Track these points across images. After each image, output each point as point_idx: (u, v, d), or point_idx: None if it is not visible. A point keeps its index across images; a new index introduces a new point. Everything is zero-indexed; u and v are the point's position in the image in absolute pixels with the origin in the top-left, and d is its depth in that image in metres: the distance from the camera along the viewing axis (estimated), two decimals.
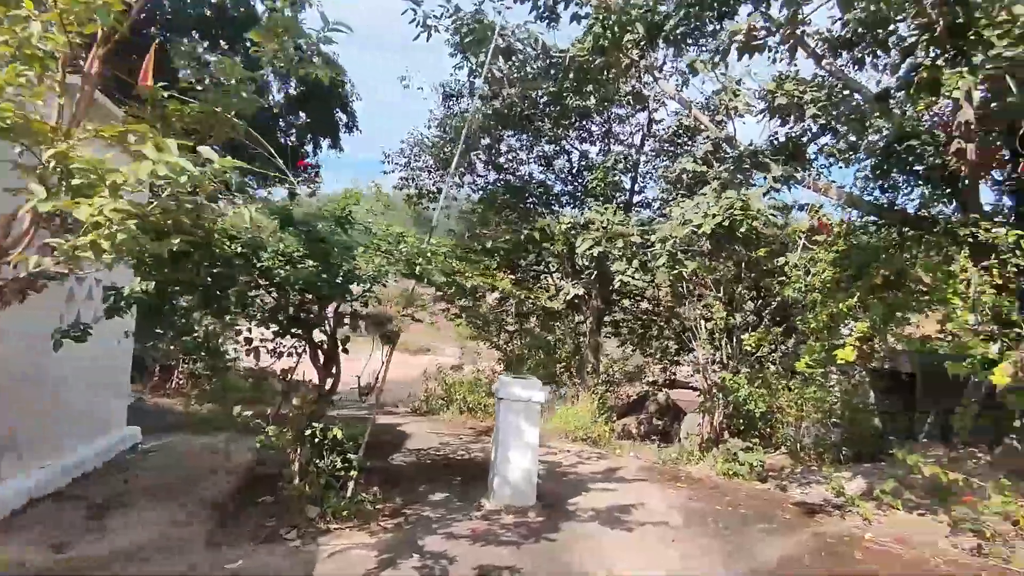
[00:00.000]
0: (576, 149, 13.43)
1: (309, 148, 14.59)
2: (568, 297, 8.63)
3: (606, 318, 13.96)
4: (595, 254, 7.81)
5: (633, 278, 8.10)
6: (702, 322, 9.29)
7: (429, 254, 5.40)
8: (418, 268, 5.24)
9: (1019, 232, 5.34)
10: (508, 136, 13.16)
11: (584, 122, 12.77)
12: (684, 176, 8.15)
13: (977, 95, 5.61)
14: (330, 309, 5.53)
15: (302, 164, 6.09)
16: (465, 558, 4.30)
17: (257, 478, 5.87)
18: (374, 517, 4.97)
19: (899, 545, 5.09)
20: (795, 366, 5.17)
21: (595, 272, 9.83)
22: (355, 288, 4.91)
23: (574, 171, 13.20)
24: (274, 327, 5.15)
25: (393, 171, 12.79)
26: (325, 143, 14.80)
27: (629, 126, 12.88)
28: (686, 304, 9.72)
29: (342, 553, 4.23)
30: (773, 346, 8.56)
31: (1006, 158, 6.60)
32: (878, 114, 6.73)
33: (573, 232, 7.53)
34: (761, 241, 8.82)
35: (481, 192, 13.78)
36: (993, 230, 5.58)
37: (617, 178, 11.78)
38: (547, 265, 13.46)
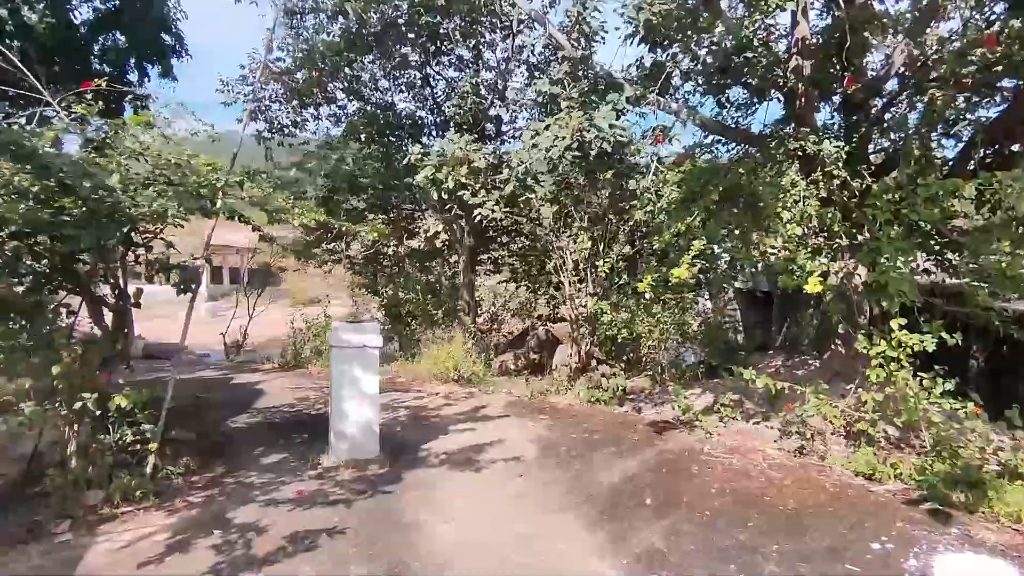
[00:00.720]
0: (444, 77, 12.54)
1: (134, 78, 12.49)
2: (430, 235, 8.09)
3: (484, 256, 13.64)
4: (451, 187, 7.25)
5: (493, 211, 7.68)
6: (567, 253, 9.16)
7: (230, 182, 4.60)
8: (213, 203, 4.45)
9: (840, 144, 5.45)
10: (368, 62, 11.97)
11: (452, 47, 11.85)
12: (540, 98, 7.68)
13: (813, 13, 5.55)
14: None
15: (87, 86, 4.90)
16: (279, 526, 3.85)
17: (38, 468, 4.99)
18: (180, 494, 4.36)
19: (732, 456, 5.29)
20: (637, 287, 5.08)
21: (455, 207, 9.29)
22: (115, 230, 4.05)
23: (439, 100, 12.35)
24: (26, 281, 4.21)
25: (235, 102, 11.28)
26: (155, 71, 12.74)
27: (499, 51, 12.12)
28: (559, 237, 9.55)
29: (124, 541, 3.61)
30: (626, 270, 8.61)
31: (838, 75, 6.72)
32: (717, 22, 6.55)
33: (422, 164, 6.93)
34: (622, 165, 8.72)
35: (341, 125, 12.60)
36: (821, 144, 5.67)
37: (481, 105, 11.11)
38: (420, 204, 12.74)
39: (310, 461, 5.17)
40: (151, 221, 4.18)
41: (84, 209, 3.69)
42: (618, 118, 6.62)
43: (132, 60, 12.41)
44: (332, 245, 13.37)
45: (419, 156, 6.76)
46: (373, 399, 5.11)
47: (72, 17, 11.47)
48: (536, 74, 12.13)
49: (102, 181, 3.66)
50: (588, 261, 8.96)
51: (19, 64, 4.83)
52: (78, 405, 3.96)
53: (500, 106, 12.18)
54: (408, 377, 9.58)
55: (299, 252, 13.50)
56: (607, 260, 7.77)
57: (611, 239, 9.16)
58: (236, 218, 5.04)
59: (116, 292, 4.74)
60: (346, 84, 12.01)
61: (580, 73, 7.65)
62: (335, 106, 12.57)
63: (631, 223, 8.66)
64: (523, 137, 6.69)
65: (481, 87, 11.46)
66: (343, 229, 11.62)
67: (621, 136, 6.13)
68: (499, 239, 13.43)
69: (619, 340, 8.51)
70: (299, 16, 10.82)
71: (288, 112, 12.06)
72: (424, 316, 11.83)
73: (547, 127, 6.45)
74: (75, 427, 4.10)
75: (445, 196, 7.81)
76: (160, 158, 4.23)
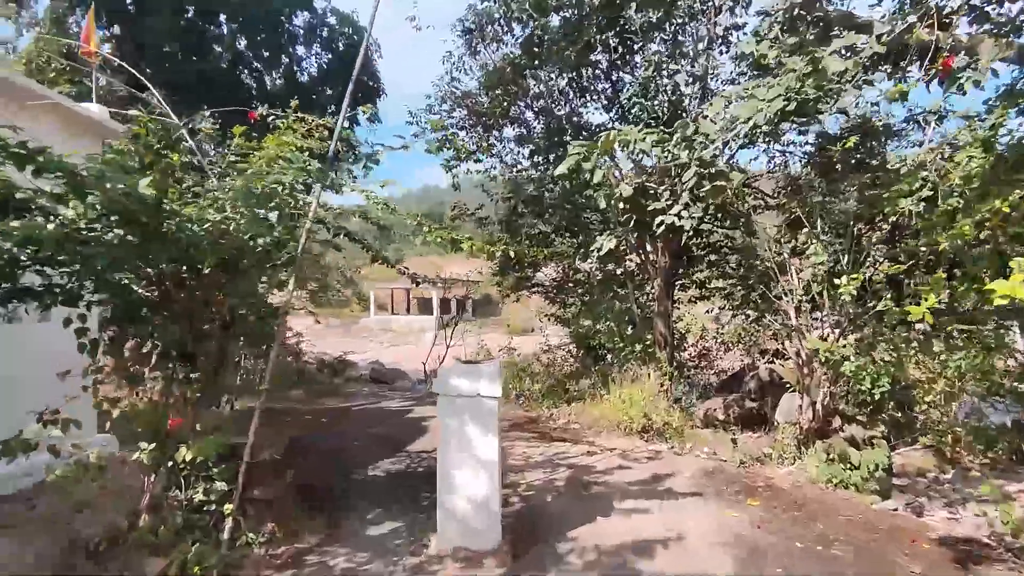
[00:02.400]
0: (635, 77, 11.06)
1: (345, 123, 13.65)
2: (602, 253, 6.60)
3: (688, 279, 11.56)
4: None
5: (681, 218, 5.90)
6: (793, 271, 6.83)
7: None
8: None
9: None
10: (552, 74, 11.10)
11: (642, 44, 10.37)
12: (746, 65, 5.76)
13: None
14: None
15: (252, 116, 4.87)
16: None
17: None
18: (255, 568, 3.55)
19: None
20: (908, 312, 2.91)
21: (633, 218, 7.57)
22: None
23: (630, 104, 10.85)
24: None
25: (423, 131, 11.37)
26: (363, 117, 13.76)
27: (702, 30, 10.16)
28: (780, 250, 7.27)
29: None
30: (886, 292, 5.92)
31: None
32: None
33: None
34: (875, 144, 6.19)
35: (531, 146, 11.89)
36: None
37: (679, 101, 9.31)
38: (610, 223, 11.32)
39: (419, 539, 4.04)
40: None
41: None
42: (865, 71, 4.40)
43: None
44: (521, 272, 12.68)
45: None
46: (491, 467, 3.78)
47: (298, 76, 12.83)
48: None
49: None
50: (825, 281, 6.53)
51: None
52: (147, 452, 3.41)
53: (699, 99, 10.20)
54: (585, 422, 8.09)
55: (497, 282, 13.09)
56: (856, 277, 5.38)
57: (860, 250, 6.58)
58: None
59: (219, 322, 4.28)
60: (529, 100, 11.29)
61: (801, 22, 5.53)
62: (520, 126, 11.94)
63: (892, 221, 6.02)
64: (710, 109, 4.87)
65: (680, 83, 9.69)
66: (521, 254, 10.85)
67: (865, 81, 3.96)
68: (706, 258, 11.26)
69: (877, 391, 5.88)
70: (476, 33, 10.39)
71: (474, 137, 11.75)
72: (616, 349, 10.27)
73: (749, 92, 4.56)
74: (152, 477, 3.59)
75: (621, 205, 6.28)
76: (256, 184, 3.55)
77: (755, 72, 6.00)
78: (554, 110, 11.47)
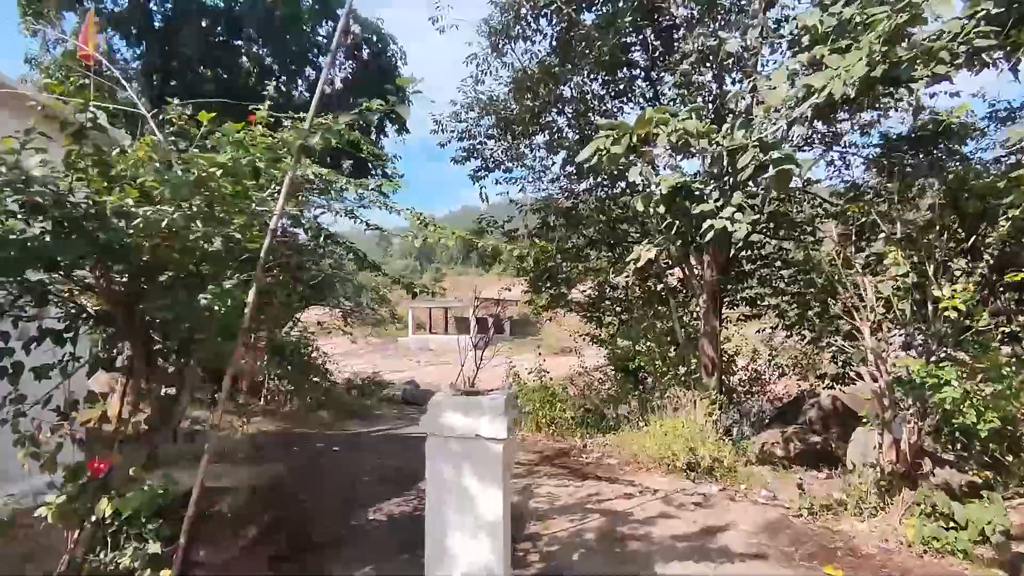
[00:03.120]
0: (675, 75, 10.22)
1: (373, 135, 13.23)
2: (640, 264, 5.73)
3: (729, 294, 10.53)
4: (660, 193, 4.89)
5: (732, 221, 5.00)
6: (867, 285, 5.81)
7: None
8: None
9: None
10: (586, 76, 10.34)
11: (680, 42, 9.55)
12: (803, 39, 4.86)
13: None
14: None
15: (252, 119, 4.37)
16: None
17: None
18: None
19: None
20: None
21: (674, 225, 6.60)
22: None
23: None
24: None
25: (449, 142, 10.78)
26: (391, 128, 13.34)
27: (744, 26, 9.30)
28: (850, 261, 6.26)
29: None
30: (983, 308, 4.85)
31: None
32: None
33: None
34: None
35: (563, 152, 11.12)
36: None
37: (715, 90, 8.41)
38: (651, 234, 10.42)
39: None
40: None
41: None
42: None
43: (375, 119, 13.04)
44: (555, 289, 11.85)
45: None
46: (495, 529, 2.96)
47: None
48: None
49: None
50: (906, 295, 5.49)
51: None
52: (54, 505, 2.74)
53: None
54: (622, 456, 7.15)
55: (528, 300, 12.30)
56: (966, 289, 4.37)
57: (947, 259, 5.52)
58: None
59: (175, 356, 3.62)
60: (561, 106, 10.57)
61: None
62: (552, 133, 11.22)
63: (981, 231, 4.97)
64: (774, 76, 4.02)
65: (725, 75, 8.79)
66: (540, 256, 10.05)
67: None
68: (757, 272, 10.22)
69: (984, 426, 4.77)
70: (502, 33, 9.74)
71: (502, 146, 11.09)
72: (658, 373, 9.31)
73: (821, 56, 3.70)
74: (76, 534, 2.92)
75: (660, 209, 5.43)
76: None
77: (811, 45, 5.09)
78: (588, 115, 10.72)
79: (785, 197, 9.67)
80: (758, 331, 10.89)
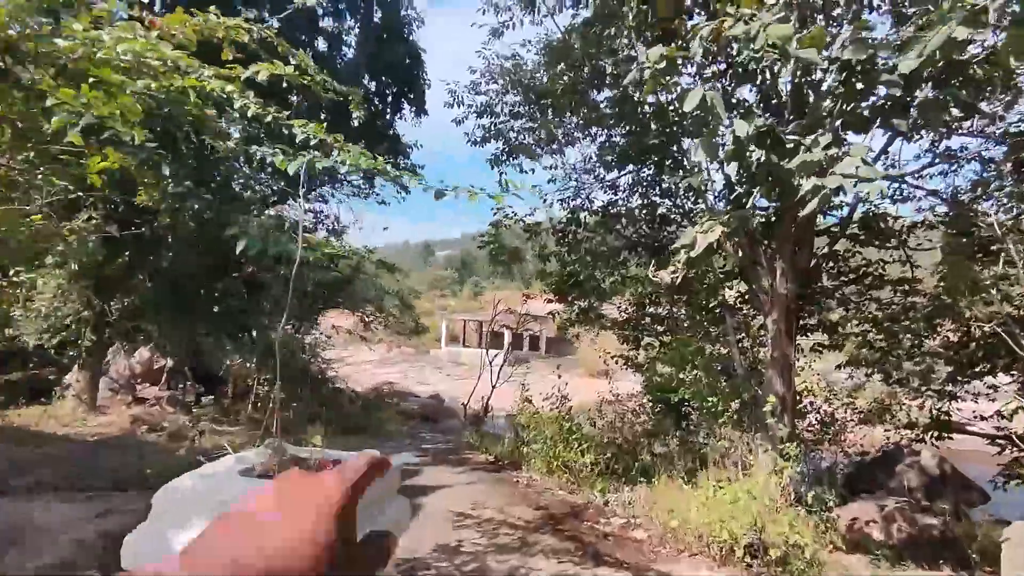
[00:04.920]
0: None
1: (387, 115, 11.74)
2: (694, 254, 3.86)
3: (806, 315, 8.47)
4: (741, 135, 3.09)
5: (856, 177, 3.10)
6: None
7: None
8: None
9: None
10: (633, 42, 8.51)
11: None
12: None
13: None
14: None
15: None
16: None
17: None
18: None
19: None
20: None
21: (747, 196, 4.56)
22: None
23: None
24: None
25: (465, 118, 9.12)
26: (409, 109, 11.81)
27: None
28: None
29: None
30: None
31: None
32: None
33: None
34: None
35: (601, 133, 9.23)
36: None
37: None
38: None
39: None
40: None
41: None
42: None
43: (388, 97, 11.59)
44: (585, 301, 9.97)
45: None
46: None
47: (336, 57, 11.08)
48: None
49: None
50: None
51: None
52: None
53: None
54: (657, 527, 5.19)
55: (551, 313, 10.46)
56: None
57: None
58: None
59: None
60: (604, 78, 8.75)
61: None
62: (591, 111, 9.40)
63: None
64: None
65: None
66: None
67: None
68: (840, 290, 8.14)
69: None
70: None
71: (529, 125, 9.36)
72: (707, 410, 7.35)
73: None
74: None
75: (728, 170, 3.57)
76: None
77: None
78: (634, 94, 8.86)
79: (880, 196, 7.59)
80: (840, 367, 8.71)
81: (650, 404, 9.62)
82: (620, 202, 9.08)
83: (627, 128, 8.48)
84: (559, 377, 8.12)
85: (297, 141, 2.39)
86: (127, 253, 8.05)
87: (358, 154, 2.42)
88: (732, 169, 3.77)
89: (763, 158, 3.32)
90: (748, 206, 4.48)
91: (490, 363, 11.83)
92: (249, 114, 2.43)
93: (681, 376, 7.98)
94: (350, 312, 16.00)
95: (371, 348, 17.93)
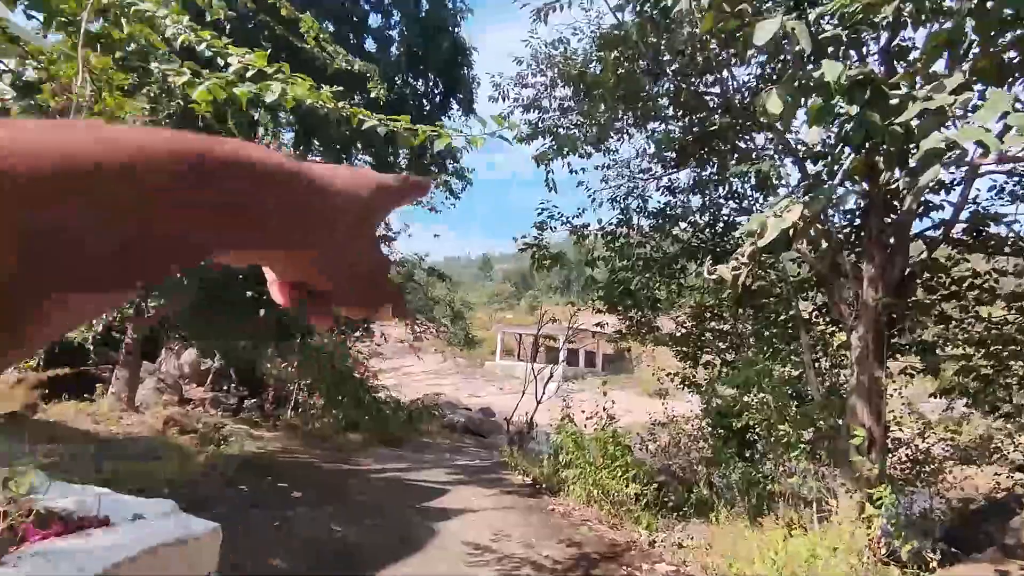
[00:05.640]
0: None
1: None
2: (762, 241, 3.09)
3: (899, 333, 7.29)
4: (836, 80, 2.33)
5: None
6: None
7: None
8: None
9: None
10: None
11: None
12: None
13: None
14: None
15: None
16: None
17: None
18: None
19: None
20: None
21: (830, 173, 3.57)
22: None
23: None
24: None
25: (511, 112, 8.54)
26: (457, 108, 11.38)
27: None
28: None
29: None
30: None
31: None
32: None
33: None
34: None
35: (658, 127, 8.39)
36: None
37: None
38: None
39: None
40: None
41: None
42: None
43: (437, 94, 11.18)
44: (636, 312, 9.11)
45: None
46: None
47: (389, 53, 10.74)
48: None
49: None
50: None
51: None
52: None
53: None
54: None
55: (599, 324, 9.67)
56: None
57: None
58: None
59: None
60: (661, 69, 7.97)
61: None
62: (647, 101, 8.62)
63: None
64: None
65: None
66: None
67: None
68: (949, 299, 6.97)
69: None
70: None
71: (578, 121, 8.68)
72: (777, 439, 6.42)
73: None
74: None
75: (812, 134, 2.77)
76: None
77: None
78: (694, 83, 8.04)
79: None
80: (934, 395, 7.46)
81: (709, 429, 8.64)
82: (678, 203, 8.24)
83: (687, 119, 7.68)
84: (604, 395, 7.32)
85: (231, 71, 1.84)
86: None
87: (307, 88, 1.84)
88: (814, 135, 2.95)
89: (858, 115, 2.52)
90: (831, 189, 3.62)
91: (535, 376, 11.12)
92: (178, 43, 1.90)
93: (746, 399, 7.06)
94: (400, 321, 15.73)
95: (420, 358, 17.55)
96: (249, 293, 9.29)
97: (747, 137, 6.84)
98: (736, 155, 6.75)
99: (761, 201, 6.96)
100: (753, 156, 6.35)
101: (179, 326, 9.48)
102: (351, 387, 11.98)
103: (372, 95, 4.70)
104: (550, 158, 8.66)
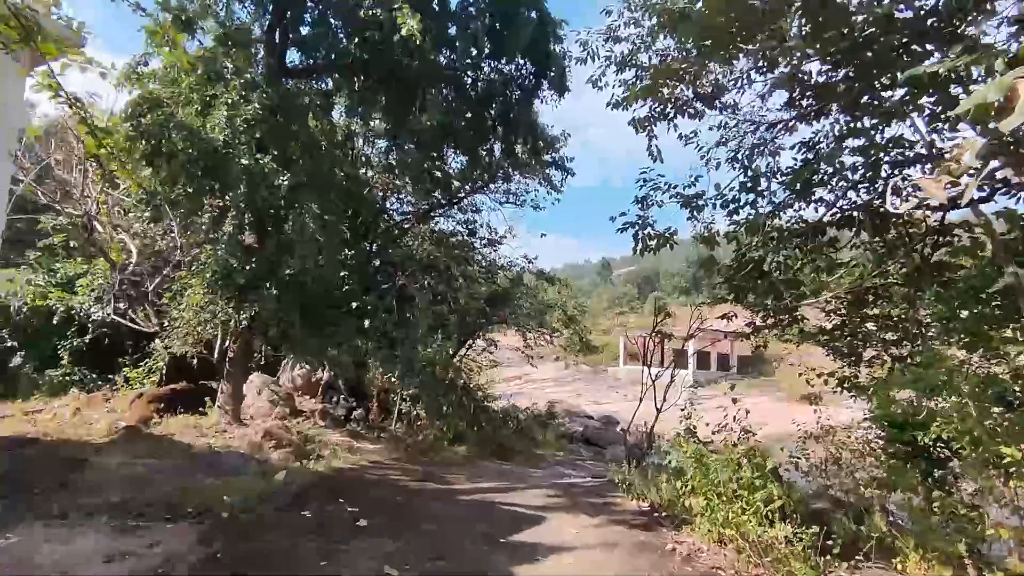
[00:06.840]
0: None
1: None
2: (997, 124, 1.77)
3: None
4: None
5: None
6: None
7: None
8: None
9: None
10: None
11: None
12: None
13: None
14: None
15: None
16: None
17: None
18: None
19: None
20: None
21: None
22: None
23: None
24: None
25: (602, 74, 7.24)
26: (549, 93, 10.31)
27: None
28: None
29: None
30: None
31: None
32: None
33: None
34: None
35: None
36: None
37: None
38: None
39: None
40: None
41: None
42: None
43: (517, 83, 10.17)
44: (769, 299, 7.42)
45: None
46: None
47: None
48: None
49: None
50: None
51: None
52: None
53: None
54: None
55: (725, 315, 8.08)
56: None
57: None
58: None
59: None
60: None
61: None
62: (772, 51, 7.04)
63: None
64: None
65: None
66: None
67: None
68: None
69: None
70: None
71: (693, 79, 7.28)
72: (980, 457, 4.65)
73: None
74: None
75: None
76: None
77: None
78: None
79: None
80: None
81: (881, 443, 6.73)
82: (821, 159, 6.53)
83: (831, 54, 6.01)
84: (734, 401, 5.85)
85: None
86: (253, 260, 7.76)
87: None
88: None
89: None
90: None
91: (652, 382, 9.71)
92: None
93: (931, 405, 5.30)
94: (513, 329, 15.06)
95: (534, 365, 16.66)
96: (354, 304, 9.02)
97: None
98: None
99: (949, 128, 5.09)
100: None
101: (280, 339, 9.39)
102: (455, 397, 11.39)
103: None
104: (651, 122, 7.36)
